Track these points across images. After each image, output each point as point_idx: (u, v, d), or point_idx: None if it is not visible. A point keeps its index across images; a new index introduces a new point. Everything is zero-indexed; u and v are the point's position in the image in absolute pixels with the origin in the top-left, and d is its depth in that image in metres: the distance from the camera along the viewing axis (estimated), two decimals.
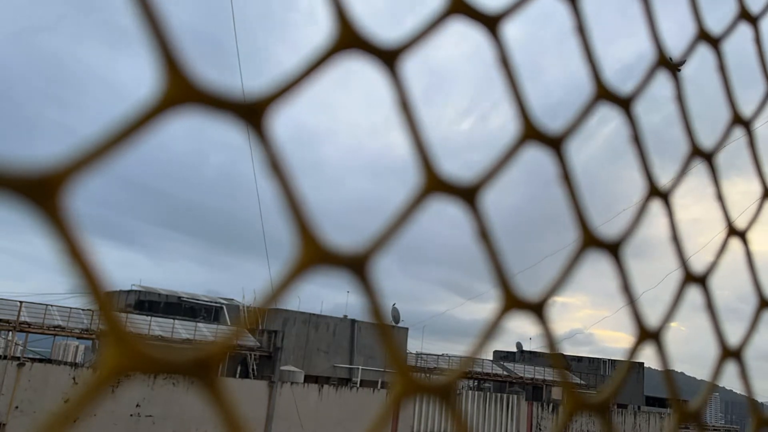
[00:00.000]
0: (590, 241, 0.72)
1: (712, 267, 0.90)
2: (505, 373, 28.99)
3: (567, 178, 0.70)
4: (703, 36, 0.90)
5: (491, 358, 32.43)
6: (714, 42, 0.92)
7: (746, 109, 0.89)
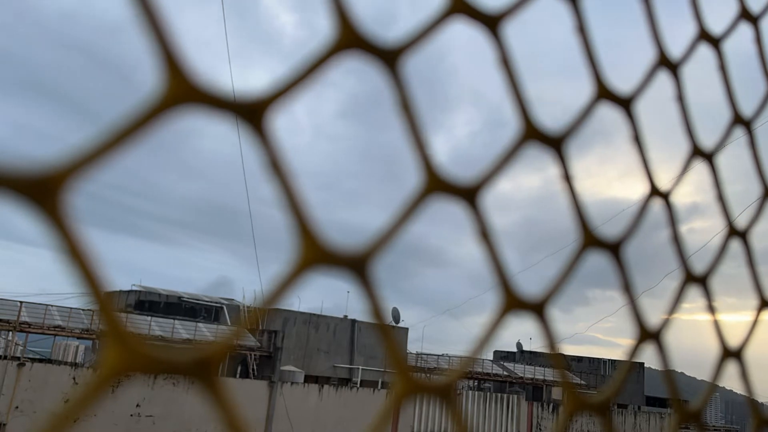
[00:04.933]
0: (590, 241, 0.72)
1: (712, 268, 0.90)
2: (505, 373, 28.98)
3: (567, 178, 0.69)
4: (704, 36, 0.90)
5: (491, 358, 32.43)
6: (714, 42, 0.92)
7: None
